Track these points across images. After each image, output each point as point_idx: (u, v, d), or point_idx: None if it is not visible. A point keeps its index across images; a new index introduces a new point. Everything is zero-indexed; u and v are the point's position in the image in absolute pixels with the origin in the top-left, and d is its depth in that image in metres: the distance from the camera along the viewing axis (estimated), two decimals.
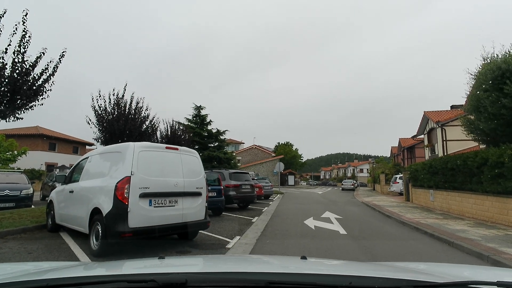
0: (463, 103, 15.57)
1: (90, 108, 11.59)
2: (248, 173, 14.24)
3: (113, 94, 11.69)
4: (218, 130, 26.24)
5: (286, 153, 60.52)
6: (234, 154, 33.33)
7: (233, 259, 2.43)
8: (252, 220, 9.72)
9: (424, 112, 24.89)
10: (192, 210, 5.76)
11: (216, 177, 11.05)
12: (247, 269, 1.63)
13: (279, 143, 69.31)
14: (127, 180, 4.90)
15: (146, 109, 12.34)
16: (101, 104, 11.46)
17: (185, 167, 5.85)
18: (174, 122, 19.17)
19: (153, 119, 12.73)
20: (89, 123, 11.62)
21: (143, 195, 5.02)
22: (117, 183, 4.89)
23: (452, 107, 26.18)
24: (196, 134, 24.62)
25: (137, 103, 12.07)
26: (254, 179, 19.97)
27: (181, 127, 20.69)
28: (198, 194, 5.96)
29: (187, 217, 5.61)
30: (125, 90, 11.90)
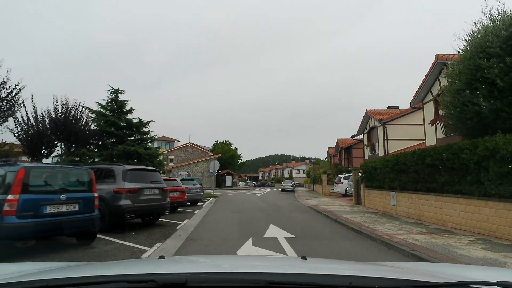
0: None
1: None
2: (158, 170, 9.63)
3: None
4: (140, 120, 20.70)
5: (224, 152, 56.65)
6: (160, 150, 27.95)
7: (233, 259, 2.42)
8: (146, 251, 5.51)
9: (366, 110, 24.11)
10: None
11: (85, 176, 6.23)
12: (247, 269, 1.57)
13: (217, 141, 64.87)
14: None
15: None
16: None
17: None
18: (72, 102, 13.83)
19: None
20: None
21: None
22: None
23: (388, 107, 26.29)
24: (111, 123, 19.11)
25: None
26: (181, 180, 15.66)
27: (86, 112, 16.20)
28: None
29: None
30: None
